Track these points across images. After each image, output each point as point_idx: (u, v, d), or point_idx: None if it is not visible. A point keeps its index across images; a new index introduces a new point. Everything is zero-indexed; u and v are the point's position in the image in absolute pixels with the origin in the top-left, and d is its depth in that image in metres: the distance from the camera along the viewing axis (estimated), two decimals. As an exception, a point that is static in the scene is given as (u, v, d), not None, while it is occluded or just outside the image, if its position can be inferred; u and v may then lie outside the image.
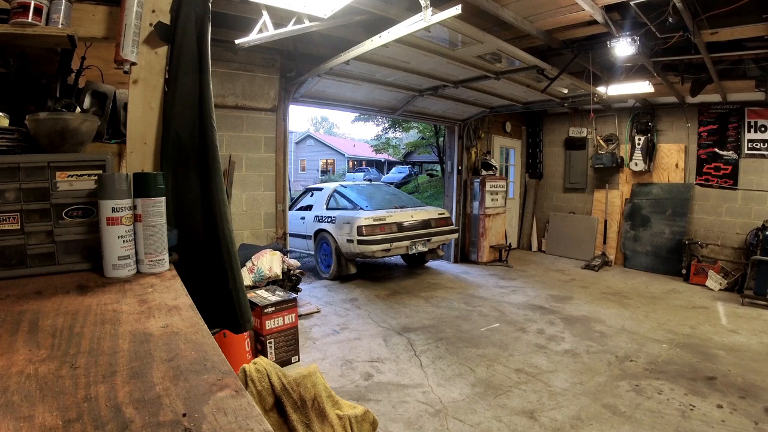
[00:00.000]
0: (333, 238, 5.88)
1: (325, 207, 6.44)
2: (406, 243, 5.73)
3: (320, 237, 6.24)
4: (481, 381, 3.10)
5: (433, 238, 6.12)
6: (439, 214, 6.46)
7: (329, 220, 6.04)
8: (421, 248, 5.91)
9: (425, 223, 6.11)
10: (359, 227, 5.46)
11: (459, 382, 3.07)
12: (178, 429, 0.51)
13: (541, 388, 3.01)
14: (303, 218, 6.73)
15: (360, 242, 5.42)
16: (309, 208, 7.13)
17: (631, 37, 3.85)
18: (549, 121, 8.61)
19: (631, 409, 2.76)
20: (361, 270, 6.28)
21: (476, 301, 5.03)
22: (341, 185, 6.90)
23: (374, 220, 5.57)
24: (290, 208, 6.85)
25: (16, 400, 0.56)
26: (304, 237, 6.68)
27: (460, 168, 7.71)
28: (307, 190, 7.65)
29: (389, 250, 5.59)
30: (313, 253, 6.55)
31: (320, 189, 7.22)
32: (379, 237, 5.50)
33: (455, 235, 6.66)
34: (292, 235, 6.50)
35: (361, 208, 5.94)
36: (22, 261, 1.09)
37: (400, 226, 5.80)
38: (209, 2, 1.49)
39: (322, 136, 36.36)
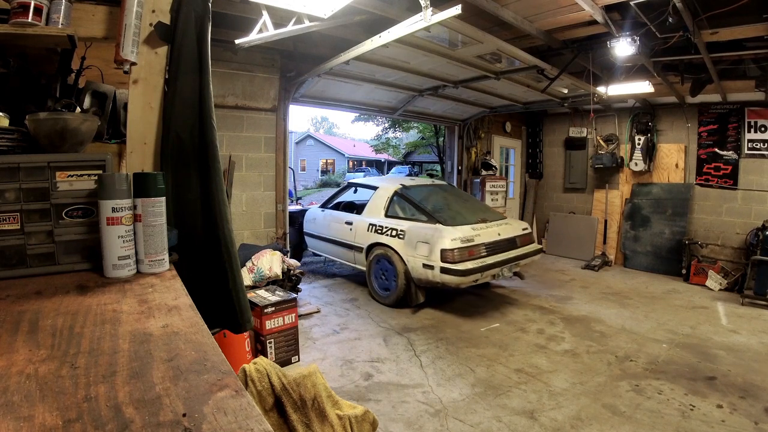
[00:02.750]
0: (400, 257, 4.53)
1: (383, 214, 4.99)
2: (495, 270, 4.42)
3: (377, 252, 4.84)
4: (481, 381, 3.10)
5: (521, 262, 4.78)
6: (523, 229, 5.10)
7: (394, 233, 4.64)
8: (507, 274, 4.65)
9: (511, 242, 4.77)
10: (444, 251, 4.13)
11: (459, 382, 3.07)
12: (178, 429, 0.51)
13: (541, 388, 3.01)
14: (350, 224, 5.31)
15: (444, 270, 4.10)
16: (350, 208, 5.90)
17: (631, 37, 3.85)
18: (549, 121, 8.61)
19: (631, 409, 2.76)
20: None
21: (476, 300, 5.03)
22: (403, 185, 5.29)
23: (462, 241, 4.22)
24: (325, 205, 6.11)
25: (16, 400, 0.56)
26: (348, 246, 5.31)
27: (460, 168, 7.71)
28: (350, 185, 6.26)
29: (477, 280, 4.33)
30: (353, 265, 5.34)
31: (372, 187, 5.60)
32: (469, 265, 4.14)
33: (539, 256, 5.17)
34: (322, 238, 5.75)
35: (439, 222, 4.46)
36: (22, 261, 1.09)
37: (489, 248, 4.46)
38: (209, 2, 1.49)
39: (322, 136, 36.36)
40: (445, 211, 4.88)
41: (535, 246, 5.11)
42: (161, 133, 1.44)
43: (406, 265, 4.49)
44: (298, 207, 8.07)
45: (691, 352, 3.67)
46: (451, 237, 4.22)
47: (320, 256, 6.24)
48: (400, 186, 5.26)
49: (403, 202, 5.03)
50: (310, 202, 9.94)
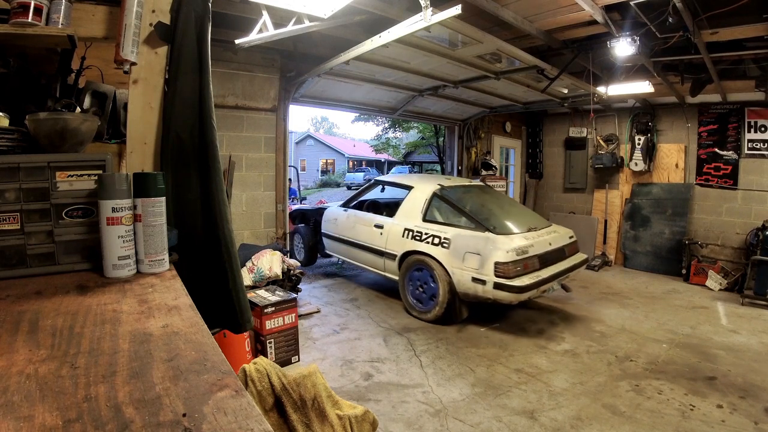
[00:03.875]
0: (443, 269, 4.02)
1: (421, 218, 4.44)
2: (548, 285, 3.97)
3: (414, 261, 4.33)
4: (481, 381, 3.10)
5: (570, 274, 4.32)
6: (570, 237, 4.60)
7: (437, 241, 4.11)
8: (555, 288, 4.20)
9: (561, 253, 4.31)
10: (499, 265, 3.66)
11: (459, 382, 3.07)
12: (178, 429, 0.51)
13: (541, 388, 3.01)
14: (380, 227, 4.74)
15: (498, 286, 3.66)
16: (375, 208, 5.45)
17: (631, 37, 3.85)
18: (549, 121, 8.61)
19: (631, 409, 2.76)
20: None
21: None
22: (441, 186, 4.68)
23: (517, 253, 3.74)
24: (346, 204, 5.59)
25: (16, 400, 0.56)
26: (376, 252, 4.75)
27: (460, 168, 7.71)
28: (377, 183, 5.62)
29: (531, 297, 3.89)
30: (382, 273, 4.80)
31: (405, 186, 5.01)
32: (525, 280, 3.68)
33: (583, 267, 4.67)
34: (345, 241, 5.22)
35: (488, 230, 3.95)
36: (22, 261, 1.09)
37: (542, 260, 3.99)
38: (209, 2, 1.49)
39: (322, 136, 36.38)
40: (491, 216, 4.34)
41: (581, 256, 4.64)
42: (161, 133, 1.44)
43: (450, 277, 3.98)
44: (313, 205, 7.72)
45: (691, 352, 3.67)
46: (506, 248, 3.73)
47: (334, 257, 5.83)
48: (438, 186, 4.65)
49: (444, 205, 4.47)
50: (318, 201, 9.79)
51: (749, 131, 6.17)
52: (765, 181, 6.10)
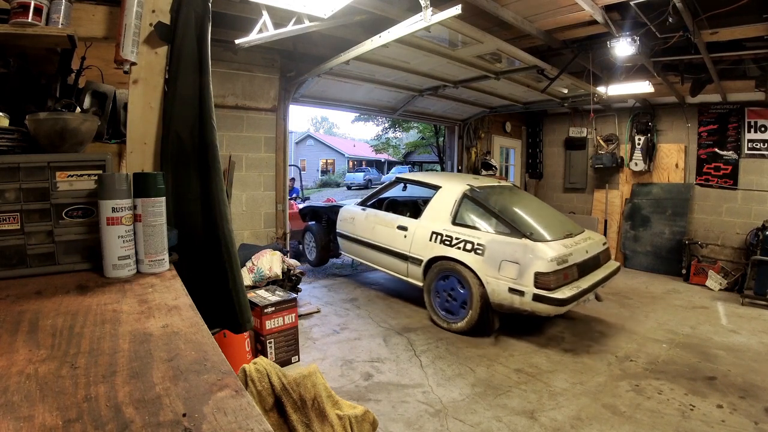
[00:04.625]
0: (476, 277, 3.75)
1: (451, 220, 4.13)
2: (587, 296, 3.70)
3: (442, 268, 4.05)
4: (481, 381, 3.10)
5: (605, 284, 4.02)
6: (603, 244, 4.34)
7: (470, 247, 3.81)
8: (590, 298, 3.90)
9: (596, 261, 4.04)
10: (539, 275, 3.41)
11: (459, 382, 3.07)
12: (178, 429, 0.51)
13: (541, 388, 3.01)
14: (404, 229, 4.43)
15: (538, 298, 3.41)
16: (394, 207, 5.20)
17: (631, 37, 3.85)
18: (549, 121, 8.61)
19: (631, 409, 2.76)
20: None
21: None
22: (471, 186, 4.34)
23: (558, 262, 3.48)
24: (365, 203, 5.30)
25: (16, 400, 0.56)
26: (399, 256, 4.46)
27: (460, 168, 7.71)
28: (398, 181, 5.30)
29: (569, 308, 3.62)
30: (404, 278, 4.51)
31: (431, 186, 4.67)
32: (566, 292, 3.44)
33: (616, 276, 4.31)
34: (363, 242, 4.93)
35: (525, 236, 3.65)
36: (22, 261, 1.09)
37: (580, 269, 3.74)
38: (209, 2, 1.50)
39: (322, 136, 36.39)
40: (527, 220, 4.02)
41: (614, 263, 4.37)
42: (161, 133, 1.44)
43: (484, 287, 3.71)
44: (324, 202, 7.57)
45: (691, 352, 3.67)
46: (547, 257, 3.46)
47: (347, 258, 5.53)
48: (468, 187, 4.32)
49: (475, 208, 4.14)
50: (326, 199, 9.65)
51: (749, 131, 6.17)
52: (765, 181, 6.10)
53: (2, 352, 0.69)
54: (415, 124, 16.86)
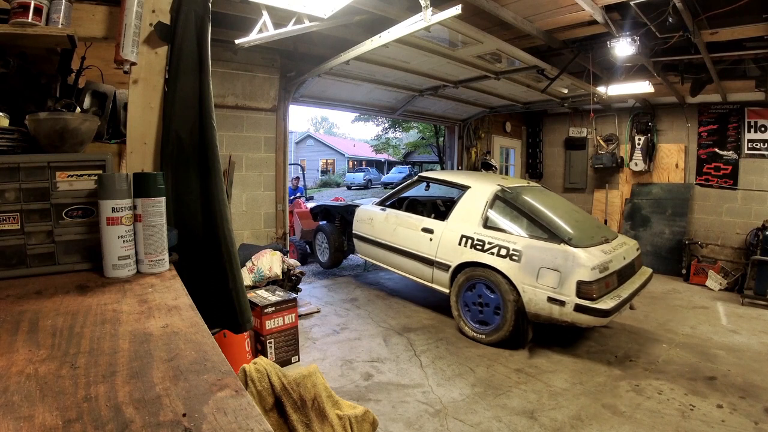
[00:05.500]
0: (511, 285, 3.52)
1: (481, 223, 3.87)
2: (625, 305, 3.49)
3: (472, 274, 3.79)
4: (481, 381, 3.10)
5: (641, 292, 3.80)
6: (636, 249, 4.10)
7: (504, 252, 3.57)
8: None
9: (632, 268, 3.84)
10: (582, 284, 3.20)
11: (459, 382, 3.07)
12: (178, 429, 0.51)
13: (541, 388, 3.01)
14: (429, 231, 4.19)
15: (581, 309, 3.20)
16: (413, 207, 4.96)
17: (631, 37, 3.85)
18: (549, 121, 8.61)
19: (631, 409, 2.76)
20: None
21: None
22: (503, 187, 4.08)
23: (600, 270, 3.27)
24: (383, 203, 5.02)
25: (16, 400, 0.56)
26: (424, 261, 4.21)
27: (460, 168, 7.71)
28: (420, 180, 4.99)
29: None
30: (428, 284, 4.25)
31: (458, 185, 4.42)
32: (609, 302, 3.25)
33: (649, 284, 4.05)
34: (382, 245, 4.66)
35: (564, 241, 3.44)
36: (22, 261, 1.09)
37: (620, 277, 3.55)
38: (209, 2, 1.50)
39: (322, 136, 36.39)
40: (563, 224, 3.76)
41: (647, 270, 4.16)
42: (161, 133, 1.44)
43: (519, 295, 3.49)
44: (340, 202, 7.47)
45: (691, 352, 3.67)
46: (590, 265, 3.23)
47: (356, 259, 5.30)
48: (499, 187, 4.05)
49: (508, 210, 3.89)
50: (334, 198, 9.57)
51: (749, 131, 6.17)
52: (765, 181, 6.10)
53: (2, 352, 0.69)
54: (415, 124, 16.87)
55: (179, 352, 0.71)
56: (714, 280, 5.92)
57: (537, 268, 3.41)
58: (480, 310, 3.77)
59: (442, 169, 9.25)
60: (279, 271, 3.97)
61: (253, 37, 3.46)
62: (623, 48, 3.95)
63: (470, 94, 6.10)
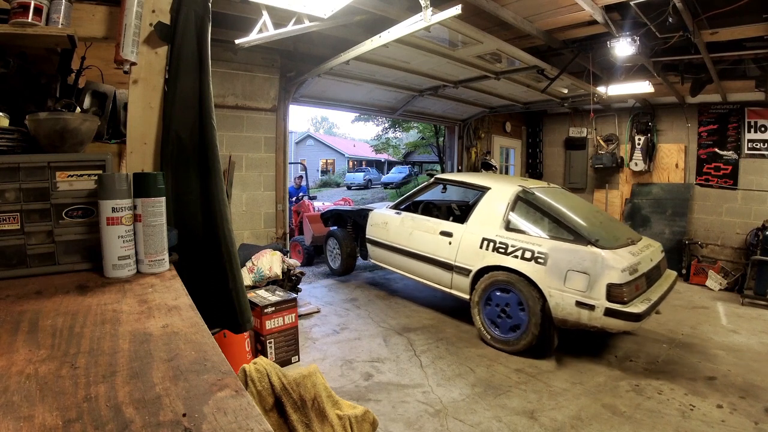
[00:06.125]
0: (537, 289, 3.39)
1: (503, 225, 3.73)
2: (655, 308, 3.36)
3: (495, 279, 3.64)
4: (481, 381, 3.10)
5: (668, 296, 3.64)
6: (662, 251, 4.01)
7: (529, 255, 3.43)
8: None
9: (658, 270, 3.73)
10: (612, 287, 3.08)
11: (459, 382, 3.07)
12: (178, 429, 0.51)
13: (541, 388, 3.01)
14: (448, 234, 4.05)
15: (611, 313, 3.08)
16: (428, 212, 4.83)
17: (631, 37, 3.85)
18: (549, 121, 8.61)
19: (631, 409, 2.76)
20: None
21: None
22: (524, 188, 3.95)
23: (630, 272, 3.16)
24: (398, 206, 4.86)
25: (16, 400, 0.56)
26: (442, 265, 4.07)
27: (460, 168, 7.71)
28: (437, 182, 4.78)
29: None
30: (447, 290, 4.11)
31: (478, 187, 4.26)
32: (640, 306, 3.13)
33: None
34: (398, 249, 4.53)
35: (591, 243, 3.30)
36: (22, 261, 1.09)
37: (648, 280, 3.43)
38: (209, 2, 1.50)
39: (322, 136, 36.38)
40: (588, 225, 3.62)
41: (672, 273, 4.05)
42: (161, 133, 1.44)
43: (545, 300, 3.35)
44: (349, 205, 7.29)
45: (691, 352, 3.67)
46: (620, 267, 3.11)
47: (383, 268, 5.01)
48: (521, 188, 3.93)
49: (531, 211, 3.77)
50: (341, 198, 9.40)
51: (749, 131, 6.17)
52: (765, 181, 6.10)
53: (2, 352, 0.69)
54: (415, 124, 16.87)
55: (179, 352, 0.71)
56: (714, 280, 5.92)
57: (564, 271, 3.28)
58: (502, 317, 3.61)
59: (443, 169, 9.24)
60: (279, 271, 3.97)
61: (253, 37, 3.46)
62: (623, 48, 3.95)
63: (470, 94, 6.10)
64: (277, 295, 3.17)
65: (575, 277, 3.23)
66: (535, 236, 3.56)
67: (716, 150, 6.50)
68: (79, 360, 0.68)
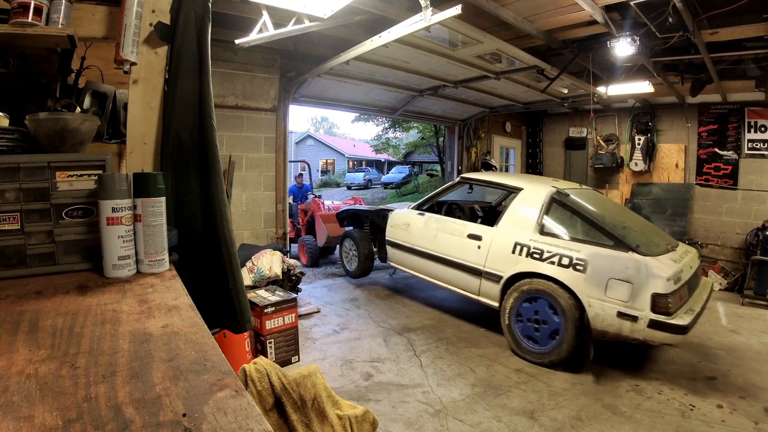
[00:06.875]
0: (574, 298, 3.19)
1: (537, 229, 3.52)
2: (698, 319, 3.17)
3: (529, 287, 3.41)
4: (481, 381, 3.10)
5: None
6: (699, 257, 3.79)
7: (567, 262, 3.23)
8: None
9: (697, 277, 3.55)
10: (658, 297, 2.89)
11: (459, 382, 3.07)
12: (178, 429, 0.51)
13: (541, 388, 3.01)
14: (476, 238, 3.83)
15: (656, 325, 2.89)
16: (450, 213, 4.61)
17: (631, 37, 3.85)
18: (549, 121, 8.62)
19: (631, 409, 2.76)
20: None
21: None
22: (558, 190, 3.73)
23: (675, 281, 2.97)
24: (420, 207, 4.65)
25: (16, 400, 0.56)
26: (470, 270, 3.85)
27: (460, 168, 7.72)
28: (462, 182, 4.52)
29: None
30: (474, 297, 3.88)
31: (510, 188, 4.05)
32: (685, 317, 2.96)
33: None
34: (421, 253, 4.32)
35: (633, 249, 3.11)
36: (22, 261, 1.09)
37: (689, 288, 3.26)
38: (209, 2, 1.50)
39: (322, 136, 36.38)
40: (627, 231, 3.39)
41: (708, 281, 3.85)
42: (161, 133, 1.44)
43: (583, 310, 3.15)
44: (360, 204, 7.14)
45: (691, 352, 3.67)
46: (665, 275, 2.92)
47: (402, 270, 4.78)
48: (555, 189, 3.71)
49: (567, 214, 3.57)
50: (351, 198, 9.15)
51: (749, 131, 6.18)
52: (765, 181, 6.10)
53: (2, 352, 0.69)
54: (415, 124, 16.88)
55: (179, 352, 0.71)
56: (714, 280, 5.92)
57: (605, 279, 3.07)
58: (536, 327, 3.39)
59: (442, 169, 9.21)
60: (279, 271, 3.97)
61: (253, 37, 3.46)
62: (623, 48, 3.95)
63: (470, 94, 6.10)
64: (277, 295, 3.17)
65: (617, 286, 3.03)
66: (572, 241, 3.35)
67: (716, 150, 6.50)
68: (79, 360, 0.68)
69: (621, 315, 3.01)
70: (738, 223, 6.31)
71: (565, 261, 3.25)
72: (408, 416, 2.62)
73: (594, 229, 3.38)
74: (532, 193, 3.79)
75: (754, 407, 2.81)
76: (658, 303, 2.88)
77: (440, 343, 3.75)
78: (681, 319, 2.92)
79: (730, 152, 6.37)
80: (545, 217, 3.57)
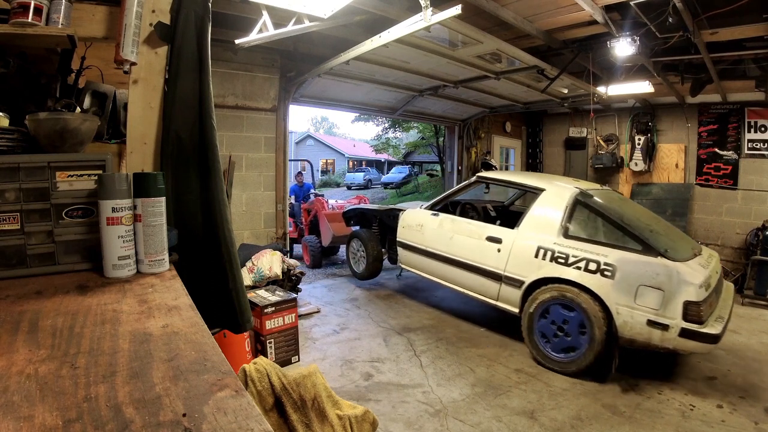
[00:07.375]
0: (600, 304, 3.05)
1: (561, 232, 3.36)
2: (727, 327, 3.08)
3: (553, 293, 3.27)
4: (481, 381, 3.10)
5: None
6: (718, 259, 3.65)
7: (594, 267, 3.09)
8: None
9: (721, 283, 3.41)
10: (690, 305, 2.78)
11: (459, 382, 3.07)
12: (178, 429, 0.51)
13: (541, 388, 3.01)
14: (496, 241, 3.67)
15: (687, 334, 2.79)
16: (464, 214, 4.43)
17: (631, 37, 3.85)
18: (549, 121, 8.62)
19: (631, 409, 2.76)
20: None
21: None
22: (581, 190, 3.57)
23: (706, 288, 2.88)
24: (434, 207, 4.49)
25: (16, 400, 0.56)
26: (488, 275, 3.70)
27: (460, 168, 7.72)
28: (479, 181, 4.35)
29: None
30: (493, 302, 3.74)
31: (531, 188, 3.87)
32: (717, 326, 2.86)
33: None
34: (435, 255, 4.17)
35: (660, 253, 2.99)
36: (22, 261, 1.09)
37: (717, 294, 3.18)
38: (209, 2, 1.50)
39: (322, 136, 36.38)
40: (654, 234, 3.25)
41: (730, 285, 3.71)
42: (161, 133, 1.44)
43: (611, 318, 3.01)
44: (364, 204, 6.89)
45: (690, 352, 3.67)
46: (697, 282, 2.81)
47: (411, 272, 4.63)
48: (578, 190, 3.55)
49: (592, 217, 3.41)
50: (356, 197, 9.03)
51: (749, 131, 6.18)
52: (765, 181, 6.10)
53: (2, 352, 0.69)
54: (415, 124, 16.88)
55: (179, 352, 0.71)
56: (714, 280, 5.93)
57: (635, 286, 2.94)
58: (559, 335, 3.26)
59: (442, 169, 9.18)
60: (279, 271, 3.97)
61: (253, 37, 3.46)
62: (623, 48, 3.95)
63: (470, 94, 6.10)
64: (277, 295, 3.17)
65: (648, 294, 2.90)
66: (598, 245, 3.19)
67: (716, 150, 6.50)
68: (79, 360, 0.68)
69: (651, 323, 2.90)
70: (738, 223, 6.31)
71: (593, 266, 3.11)
72: (408, 416, 2.62)
73: (620, 232, 3.22)
74: (555, 194, 3.62)
75: (754, 407, 2.81)
76: (691, 311, 2.78)
77: (440, 343, 3.75)
78: (713, 328, 2.82)
79: (730, 152, 6.37)
80: (570, 219, 3.41)
